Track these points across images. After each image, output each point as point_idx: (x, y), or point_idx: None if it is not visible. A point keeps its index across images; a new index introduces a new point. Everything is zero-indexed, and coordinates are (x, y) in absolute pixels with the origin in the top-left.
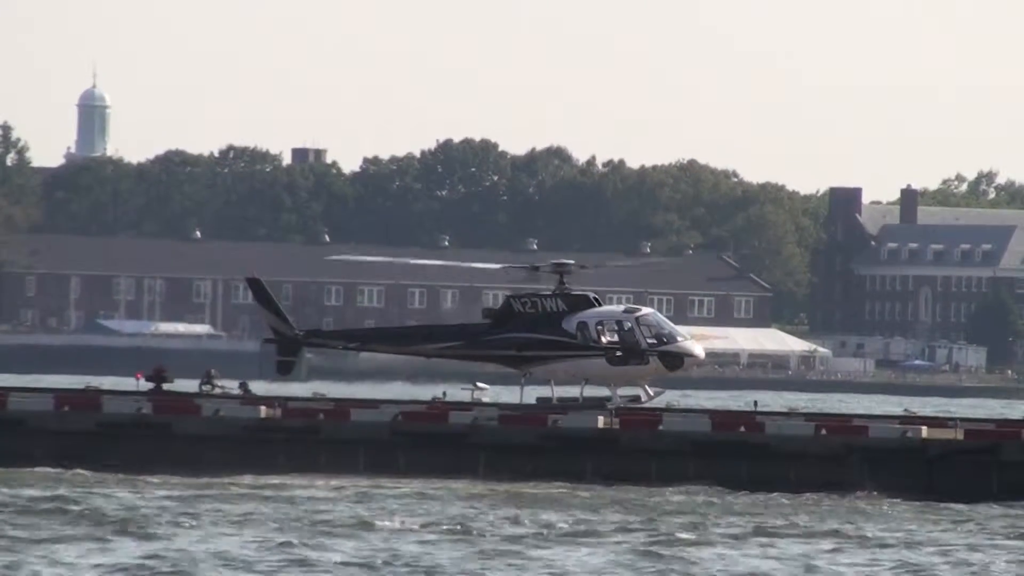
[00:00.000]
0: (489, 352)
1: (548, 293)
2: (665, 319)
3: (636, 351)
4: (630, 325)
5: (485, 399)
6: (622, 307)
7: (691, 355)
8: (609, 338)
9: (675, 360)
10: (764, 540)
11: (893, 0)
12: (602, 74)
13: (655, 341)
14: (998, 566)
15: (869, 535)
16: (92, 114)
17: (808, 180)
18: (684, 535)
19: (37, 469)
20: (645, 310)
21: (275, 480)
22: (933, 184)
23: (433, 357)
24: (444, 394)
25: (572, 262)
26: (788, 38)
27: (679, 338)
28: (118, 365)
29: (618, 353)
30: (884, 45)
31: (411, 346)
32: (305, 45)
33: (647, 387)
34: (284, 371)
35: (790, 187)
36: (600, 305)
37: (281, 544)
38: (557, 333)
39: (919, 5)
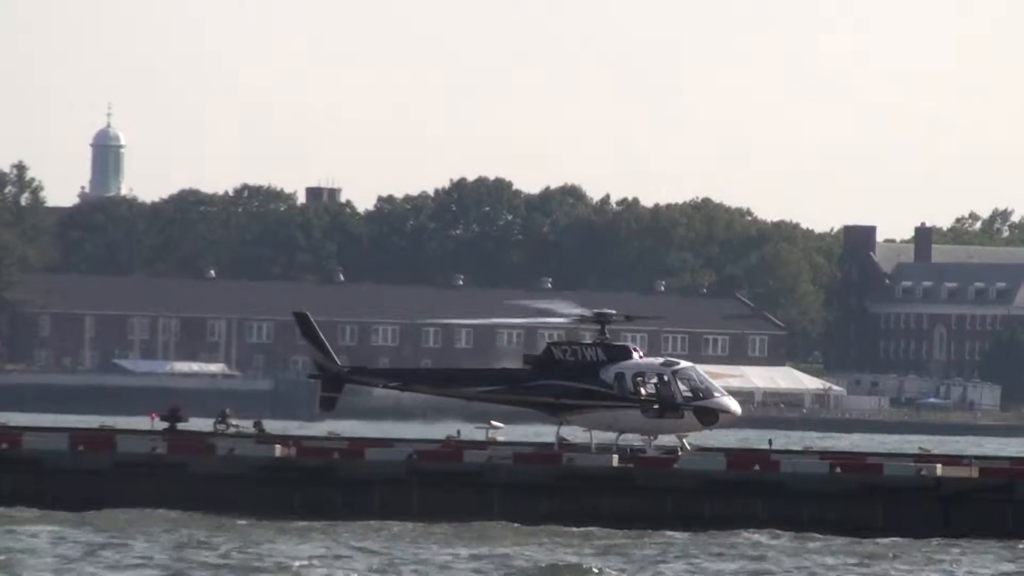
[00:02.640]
0: (528, 398)
1: (589, 343)
2: (703, 374)
3: (672, 405)
4: (667, 378)
5: (500, 438)
6: (661, 359)
7: (727, 411)
8: (646, 390)
9: (710, 416)
10: None
11: (905, 38)
12: (616, 113)
13: (691, 395)
14: None
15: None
16: (106, 153)
17: (822, 218)
18: None
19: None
20: (683, 364)
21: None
22: (947, 222)
23: (475, 400)
24: (459, 432)
25: (614, 312)
26: (800, 77)
27: (716, 393)
28: (133, 405)
29: (655, 406)
30: (897, 82)
31: (454, 388)
32: (318, 84)
33: (684, 441)
34: (327, 407)
35: (804, 225)
36: (640, 356)
37: None
38: (595, 383)
39: (932, 43)
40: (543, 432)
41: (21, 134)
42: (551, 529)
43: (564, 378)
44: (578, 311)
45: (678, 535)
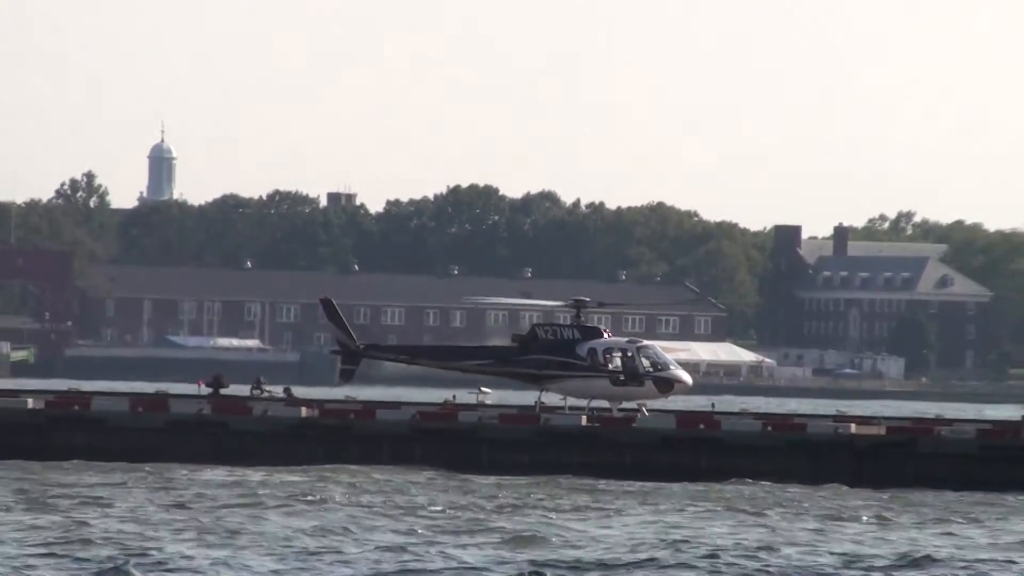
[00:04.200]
0: (515, 370)
1: (567, 324)
2: (661, 351)
3: (635, 376)
4: (631, 354)
5: (488, 401)
6: (626, 338)
7: (680, 381)
8: (614, 364)
9: (667, 385)
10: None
11: (831, 52)
12: (584, 129)
13: (651, 368)
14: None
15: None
16: (161, 164)
17: (757, 219)
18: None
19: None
20: (645, 342)
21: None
22: (861, 222)
23: (470, 372)
24: (454, 397)
25: (588, 299)
26: (739, 92)
27: (671, 367)
28: (183, 374)
29: (620, 377)
30: (822, 97)
31: (452, 361)
32: (338, 105)
33: (644, 407)
34: (346, 378)
35: (742, 225)
36: (608, 335)
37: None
38: (571, 357)
39: (853, 59)
40: (526, 397)
41: (91, 149)
42: (529, 477)
43: (545, 353)
44: (560, 303)
45: (636, 483)
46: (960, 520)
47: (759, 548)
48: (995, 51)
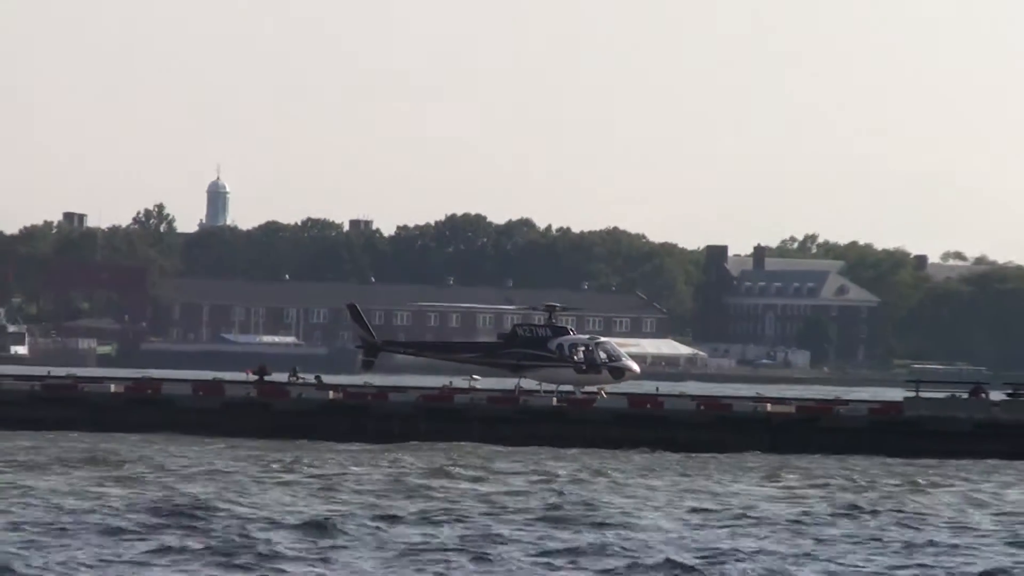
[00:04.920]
0: (499, 361)
1: (541, 324)
2: (615, 346)
3: (595, 365)
4: (592, 348)
5: (478, 386)
6: (587, 336)
7: (631, 370)
8: (578, 356)
9: (620, 373)
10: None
11: (751, 110)
12: (557, 167)
13: (607, 359)
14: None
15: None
16: (217, 198)
17: (692, 240)
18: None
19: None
20: (602, 339)
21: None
22: (775, 243)
23: (464, 363)
24: (451, 382)
25: (557, 304)
26: (680, 137)
27: (623, 359)
28: (234, 365)
29: (583, 366)
30: (745, 146)
31: (450, 354)
32: (359, 150)
33: (602, 390)
34: (367, 367)
35: (680, 245)
36: (573, 333)
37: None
38: (544, 351)
39: (775, 94)
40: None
41: (161, 184)
42: (512, 447)
43: (523, 348)
44: (535, 308)
45: (596, 451)
46: (858, 479)
47: (699, 496)
48: (887, 96)
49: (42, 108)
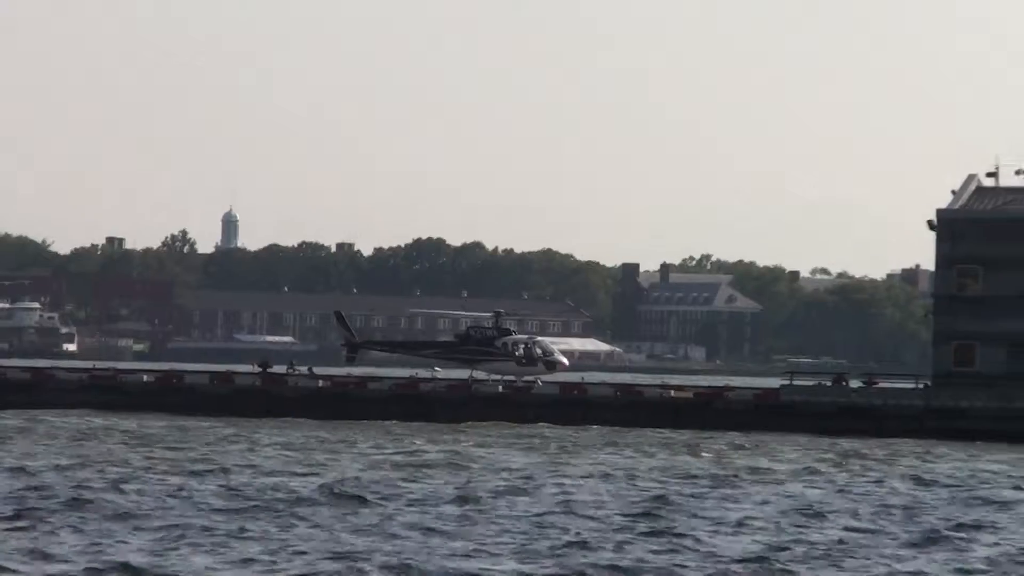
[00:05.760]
0: (456, 356)
1: (489, 327)
2: (549, 343)
3: (532, 360)
4: (530, 345)
5: (439, 376)
6: (526, 336)
7: (561, 363)
8: (519, 352)
9: (553, 365)
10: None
11: (660, 146)
12: (503, 200)
13: (543, 354)
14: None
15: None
16: (230, 225)
17: (611, 257)
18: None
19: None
20: (539, 338)
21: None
22: (678, 260)
23: (428, 358)
24: (417, 373)
25: (503, 311)
26: (597, 168)
27: (555, 354)
28: (243, 359)
29: (523, 360)
30: (656, 173)
31: (417, 351)
32: (341, 184)
33: (538, 379)
34: (350, 362)
35: (601, 262)
36: (515, 333)
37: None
38: (492, 348)
39: (660, 125)
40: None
41: (185, 214)
42: (467, 424)
43: (475, 346)
44: (485, 314)
45: (535, 427)
46: (746, 448)
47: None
48: (774, 132)
49: (91, 149)
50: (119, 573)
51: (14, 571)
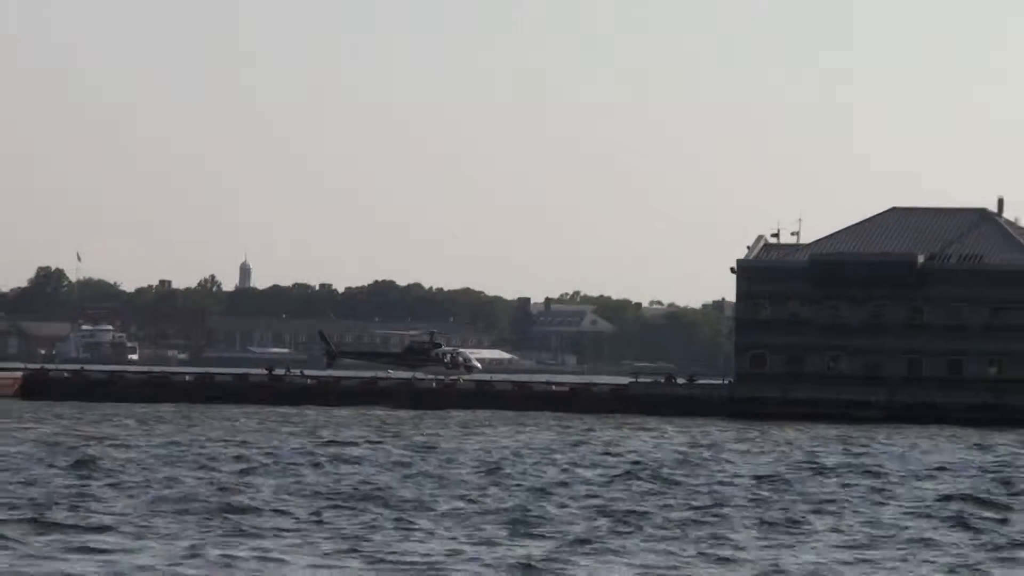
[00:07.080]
0: (403, 363)
1: (427, 342)
2: (467, 352)
3: (456, 364)
4: (455, 354)
5: (392, 376)
6: (452, 348)
7: (476, 368)
8: (447, 359)
9: (470, 370)
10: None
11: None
12: (437, 250)
13: (464, 360)
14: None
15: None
16: (245, 271)
17: (512, 291)
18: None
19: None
20: (460, 349)
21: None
22: (556, 295)
23: (384, 364)
24: (376, 375)
25: (435, 331)
26: (495, 215)
27: (472, 360)
28: (254, 365)
29: (450, 365)
30: (540, 220)
31: (376, 359)
32: (323, 236)
33: (460, 378)
34: (329, 366)
35: (504, 296)
36: (444, 346)
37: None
38: (428, 357)
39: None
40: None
41: (212, 263)
42: (411, 411)
43: (417, 355)
44: (423, 333)
45: (456, 411)
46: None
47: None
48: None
49: (151, 212)
50: None
51: None
